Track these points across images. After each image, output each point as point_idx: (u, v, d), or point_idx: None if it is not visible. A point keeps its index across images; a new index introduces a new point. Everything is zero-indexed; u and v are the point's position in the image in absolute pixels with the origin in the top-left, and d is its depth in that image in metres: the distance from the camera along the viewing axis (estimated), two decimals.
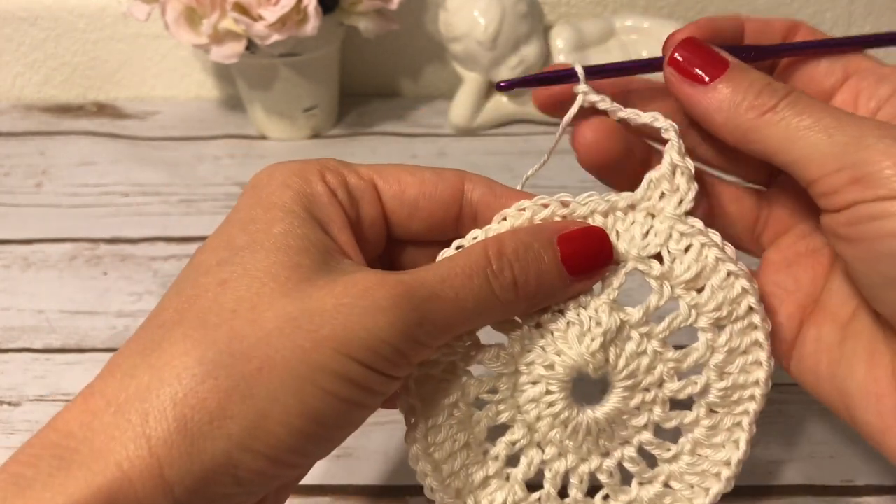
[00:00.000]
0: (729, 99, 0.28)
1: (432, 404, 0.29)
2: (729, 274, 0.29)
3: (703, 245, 0.29)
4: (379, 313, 0.24)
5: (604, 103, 0.30)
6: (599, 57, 0.63)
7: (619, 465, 0.30)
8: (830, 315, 0.31)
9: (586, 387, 0.30)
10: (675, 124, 0.29)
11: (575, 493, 0.30)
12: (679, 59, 0.29)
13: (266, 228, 0.25)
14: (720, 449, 0.30)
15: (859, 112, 0.30)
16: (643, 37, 0.64)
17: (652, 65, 0.31)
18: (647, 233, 0.29)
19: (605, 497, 0.30)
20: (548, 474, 0.30)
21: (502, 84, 0.30)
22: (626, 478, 0.31)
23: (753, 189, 0.34)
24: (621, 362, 0.29)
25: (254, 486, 0.24)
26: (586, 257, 0.28)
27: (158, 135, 0.65)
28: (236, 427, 0.23)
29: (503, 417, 0.29)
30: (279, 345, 0.23)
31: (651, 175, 0.29)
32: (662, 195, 0.29)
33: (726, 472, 0.30)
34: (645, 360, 0.29)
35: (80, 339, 0.47)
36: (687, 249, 0.29)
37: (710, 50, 0.29)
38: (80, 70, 0.70)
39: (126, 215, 0.57)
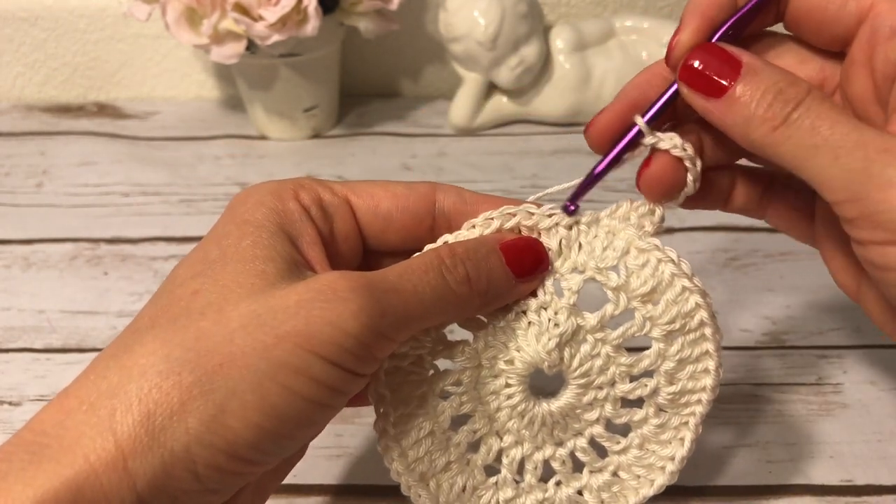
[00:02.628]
0: (741, 113, 0.27)
1: (400, 394, 0.30)
2: (684, 289, 0.30)
3: (659, 261, 0.30)
4: (341, 304, 0.25)
5: (676, 150, 0.30)
6: (599, 57, 0.63)
7: (572, 455, 0.32)
8: None
9: (546, 381, 0.32)
10: (698, 164, 0.30)
11: (529, 478, 0.32)
12: (689, 72, 0.28)
13: (236, 242, 0.27)
14: (667, 445, 0.32)
15: (877, 75, 0.29)
16: (643, 37, 0.64)
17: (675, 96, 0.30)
18: (607, 248, 0.31)
19: (558, 483, 0.32)
20: (505, 460, 0.32)
21: (571, 207, 0.31)
22: (578, 467, 0.33)
23: (808, 192, 0.33)
24: (575, 362, 0.31)
25: (213, 482, 0.24)
26: (525, 262, 0.30)
27: (159, 135, 0.66)
28: (195, 421, 0.23)
29: (466, 408, 0.31)
30: (241, 342, 0.24)
31: (624, 204, 0.31)
32: (626, 220, 0.31)
33: (671, 467, 0.32)
34: (598, 362, 0.31)
35: (80, 339, 0.47)
36: (644, 265, 0.30)
37: (719, 52, 0.28)
38: (80, 70, 0.70)
39: (126, 215, 0.57)
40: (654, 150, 0.30)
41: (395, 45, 0.68)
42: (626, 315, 0.31)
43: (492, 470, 0.32)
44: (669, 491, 0.33)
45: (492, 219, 0.30)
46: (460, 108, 0.64)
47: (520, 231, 0.31)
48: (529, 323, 0.30)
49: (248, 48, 0.57)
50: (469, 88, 0.63)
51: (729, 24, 0.29)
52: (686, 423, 0.32)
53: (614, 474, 0.33)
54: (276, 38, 0.55)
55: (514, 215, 0.31)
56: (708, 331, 0.31)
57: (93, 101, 0.70)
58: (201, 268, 0.26)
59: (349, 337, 0.25)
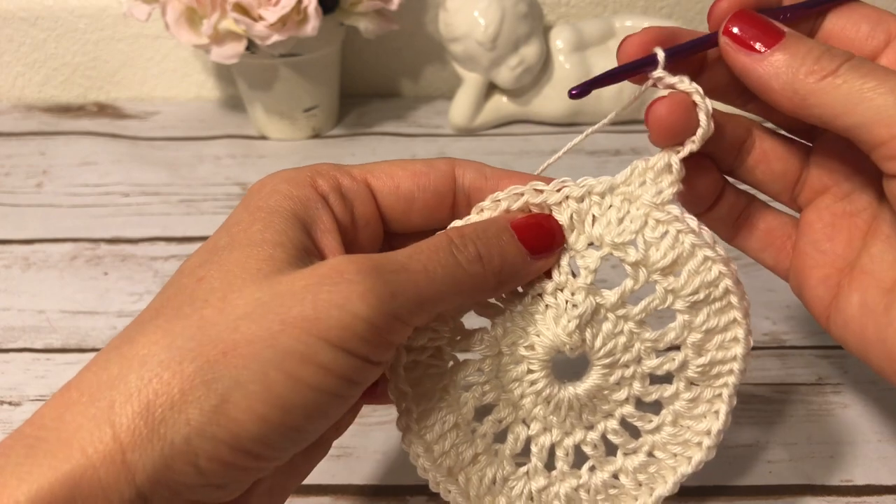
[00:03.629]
0: (787, 64, 0.28)
1: (422, 389, 0.30)
2: (706, 259, 0.29)
3: (679, 232, 0.29)
4: (347, 286, 0.24)
5: (682, 84, 0.29)
6: (599, 57, 0.63)
7: (604, 438, 0.31)
8: (875, 280, 0.31)
9: (571, 364, 0.31)
10: (708, 127, 0.29)
11: (561, 465, 0.31)
12: (734, 29, 0.29)
13: (246, 228, 0.26)
14: (701, 419, 0.31)
15: None
16: None
17: (707, 42, 0.31)
18: (623, 218, 0.29)
19: (592, 468, 0.32)
20: (534, 448, 0.31)
21: (574, 91, 0.30)
22: (611, 450, 0.32)
23: (797, 145, 0.34)
24: (598, 342, 0.30)
25: (216, 476, 0.23)
26: (538, 238, 0.29)
27: (159, 135, 0.66)
28: (196, 412, 0.22)
29: (489, 397, 0.30)
30: (245, 329, 0.23)
31: (638, 164, 0.30)
32: (643, 183, 0.29)
33: (707, 441, 0.31)
34: (622, 340, 0.30)
35: (80, 339, 0.47)
36: (663, 236, 0.29)
37: (765, 20, 0.29)
38: (80, 70, 0.70)
39: (126, 215, 0.57)
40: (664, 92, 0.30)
41: (395, 45, 0.68)
42: (646, 288, 0.30)
43: (521, 459, 0.31)
44: None
45: (499, 200, 0.30)
46: (460, 108, 0.64)
47: (530, 210, 0.30)
48: (547, 306, 0.29)
49: (248, 48, 0.57)
50: (469, 88, 0.63)
51: (772, 11, 0.30)
52: (719, 395, 0.31)
53: (650, 454, 0.32)
54: (276, 38, 0.55)
55: (522, 195, 0.29)
56: (734, 299, 0.30)
57: (93, 101, 0.70)
58: (208, 256, 0.26)
59: (359, 320, 0.23)
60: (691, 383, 0.31)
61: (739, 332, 0.30)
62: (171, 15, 0.55)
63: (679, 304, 0.29)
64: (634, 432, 0.32)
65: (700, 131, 0.29)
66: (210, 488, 0.24)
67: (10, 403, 0.43)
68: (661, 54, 0.29)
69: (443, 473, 0.30)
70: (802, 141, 0.34)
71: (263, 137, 0.65)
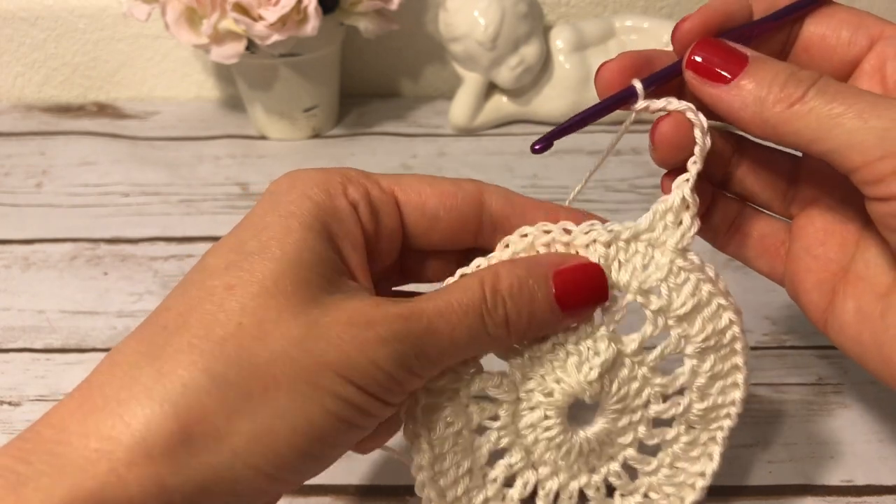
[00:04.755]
0: (754, 94, 0.28)
1: (437, 432, 0.29)
2: (719, 307, 0.30)
3: (699, 280, 0.29)
4: (380, 346, 0.25)
5: (672, 105, 0.29)
6: (599, 57, 0.63)
7: (605, 481, 0.32)
8: (870, 286, 0.31)
9: (578, 406, 0.31)
10: (703, 119, 0.29)
11: None
12: (697, 60, 0.29)
13: (279, 237, 0.25)
14: (696, 462, 0.32)
15: (888, 81, 0.30)
16: (643, 37, 0.64)
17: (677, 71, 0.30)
18: (648, 265, 0.29)
19: None
20: (541, 492, 0.31)
21: (537, 147, 0.29)
22: (609, 492, 0.32)
23: (786, 156, 0.34)
24: (614, 388, 0.30)
25: (250, 500, 0.24)
26: (581, 294, 0.28)
27: (159, 135, 0.66)
28: (242, 443, 0.23)
29: (504, 442, 0.30)
30: (285, 366, 0.24)
31: (658, 207, 0.29)
32: (665, 228, 0.29)
33: (701, 483, 0.32)
34: (635, 385, 0.30)
35: (80, 339, 0.47)
36: (684, 283, 0.29)
37: (727, 46, 0.29)
38: (80, 70, 0.70)
39: (126, 215, 0.57)
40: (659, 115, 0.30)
41: (395, 45, 0.68)
42: (658, 334, 0.30)
43: (527, 502, 0.31)
44: None
45: (526, 235, 0.29)
46: (460, 108, 0.64)
47: (555, 248, 0.29)
48: (568, 353, 0.29)
49: (248, 48, 0.57)
50: (469, 88, 0.63)
51: (737, 29, 0.30)
52: (714, 437, 0.32)
53: (645, 496, 0.32)
54: (276, 38, 0.55)
55: (550, 231, 0.29)
56: (739, 345, 0.30)
57: (93, 101, 0.70)
58: (236, 258, 0.25)
59: (383, 373, 0.25)
60: (690, 427, 0.32)
61: (740, 378, 0.31)
62: (171, 15, 0.55)
63: (689, 350, 0.30)
64: (633, 474, 0.32)
65: (698, 149, 0.29)
66: None
67: (10, 403, 0.43)
68: (639, 86, 0.29)
69: None
70: (791, 151, 0.34)
71: (263, 137, 0.65)
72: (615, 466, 0.32)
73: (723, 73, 0.28)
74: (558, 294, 0.28)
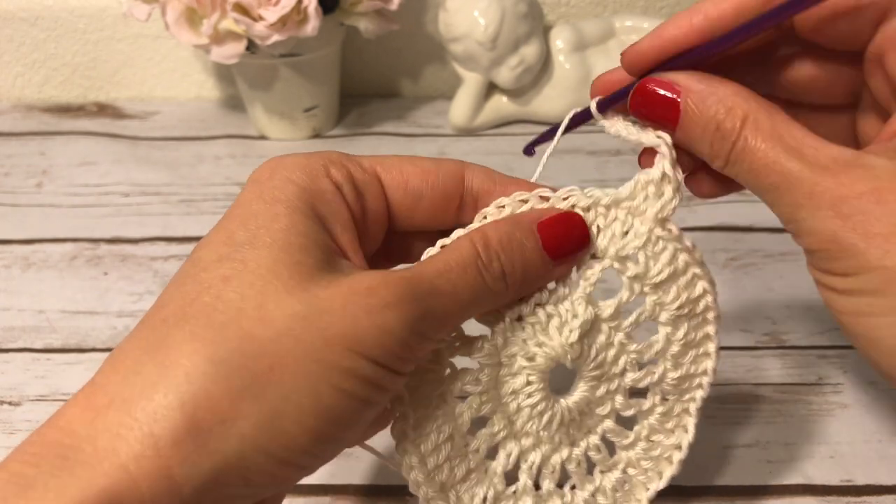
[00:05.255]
0: (696, 148, 0.28)
1: (418, 395, 0.29)
2: (694, 276, 0.30)
3: (676, 250, 0.29)
4: (387, 310, 0.24)
5: (613, 128, 0.30)
6: (599, 57, 0.63)
7: (586, 455, 0.32)
8: None
9: (554, 379, 0.31)
10: (667, 138, 0.29)
11: (548, 483, 0.31)
12: (638, 110, 0.29)
13: (267, 224, 0.25)
14: (671, 434, 0.32)
15: (891, 75, 0.27)
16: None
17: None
18: (627, 232, 0.29)
19: (573, 487, 0.32)
20: (523, 465, 0.31)
21: (529, 150, 0.31)
22: (590, 468, 0.32)
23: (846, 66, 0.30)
24: (592, 353, 0.30)
25: (263, 487, 0.24)
26: (565, 241, 0.29)
27: (159, 135, 0.66)
28: (249, 427, 0.22)
29: (485, 409, 0.30)
30: (290, 344, 0.23)
31: (641, 177, 0.29)
32: (647, 198, 0.29)
33: (678, 455, 0.32)
34: (612, 352, 0.30)
35: (80, 339, 0.47)
36: (662, 252, 0.29)
37: (658, 96, 0.28)
38: (80, 70, 0.70)
39: (126, 215, 0.57)
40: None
41: (395, 45, 0.68)
42: (634, 301, 0.30)
43: (510, 477, 0.31)
44: (669, 491, 0.33)
45: (503, 206, 0.29)
46: (460, 108, 0.64)
47: None
48: (549, 315, 0.29)
49: (248, 48, 0.57)
50: (469, 88, 0.63)
51: (692, 53, 0.28)
52: (687, 409, 0.32)
53: (624, 471, 0.33)
54: (276, 38, 0.55)
55: (527, 201, 0.29)
56: (711, 315, 0.31)
57: (93, 101, 0.70)
58: (227, 250, 0.25)
59: (393, 340, 0.24)
60: (664, 398, 0.32)
61: (711, 347, 0.31)
62: (171, 15, 0.55)
63: (663, 317, 0.30)
64: (611, 449, 0.32)
65: (665, 148, 0.29)
66: (252, 497, 0.24)
67: (10, 403, 0.43)
68: (592, 107, 0.30)
69: (435, 489, 0.29)
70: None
71: (263, 137, 0.65)
72: (594, 440, 0.31)
73: (665, 118, 0.28)
74: (545, 243, 0.28)
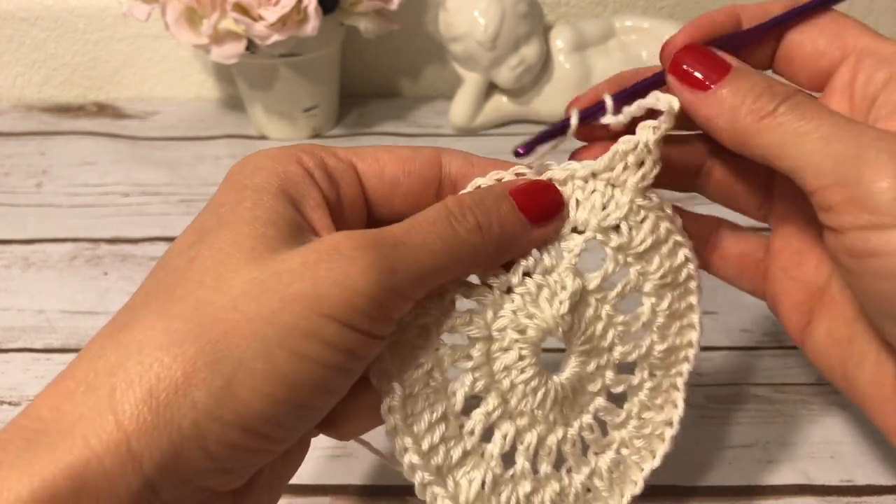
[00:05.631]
0: (729, 103, 0.28)
1: (407, 372, 0.28)
2: (675, 244, 0.30)
3: (658, 218, 0.29)
4: (347, 263, 0.23)
5: (608, 119, 0.30)
6: (599, 57, 0.63)
7: (580, 435, 0.31)
8: (841, 310, 0.31)
9: (544, 360, 0.31)
10: (675, 105, 0.29)
11: (545, 466, 0.30)
12: (680, 65, 0.29)
13: (233, 207, 0.25)
14: (661, 410, 0.32)
15: (856, 98, 0.30)
16: (643, 37, 0.64)
17: (654, 83, 0.30)
18: (608, 203, 0.29)
19: (569, 470, 0.31)
20: (520, 447, 0.29)
21: (521, 150, 0.30)
22: (584, 449, 0.31)
23: (764, 167, 0.33)
24: (581, 326, 0.30)
25: (226, 459, 0.23)
26: (540, 203, 0.29)
27: (158, 135, 0.66)
28: (202, 394, 0.22)
29: (479, 386, 0.29)
30: (245, 308, 0.23)
31: (619, 147, 0.29)
32: (626, 167, 0.29)
33: (669, 432, 0.32)
34: (600, 325, 0.30)
35: (80, 339, 0.47)
36: (643, 221, 0.29)
37: (711, 54, 0.29)
38: (80, 70, 0.70)
39: (126, 215, 0.57)
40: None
41: (395, 45, 0.68)
42: (618, 272, 0.30)
43: (507, 459, 0.30)
44: (670, 491, 0.33)
45: (480, 186, 0.29)
46: (460, 108, 0.64)
47: None
48: (539, 286, 0.29)
49: (248, 48, 0.57)
50: (469, 88, 0.63)
51: (724, 38, 0.30)
52: (675, 384, 0.32)
53: (618, 451, 0.32)
54: (276, 38, 0.55)
55: (502, 178, 0.29)
56: (693, 284, 0.31)
57: (93, 101, 0.70)
58: (197, 237, 0.25)
59: (360, 296, 0.23)
60: (652, 373, 0.32)
61: (694, 318, 0.31)
62: (171, 15, 0.55)
63: (648, 287, 0.30)
64: (604, 429, 0.32)
65: (663, 117, 0.29)
66: (219, 472, 0.23)
67: (10, 403, 0.43)
68: (609, 102, 0.30)
69: (432, 472, 0.28)
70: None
71: (263, 137, 0.65)
72: (587, 419, 0.31)
73: (704, 80, 0.28)
74: (520, 206, 0.28)
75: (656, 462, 0.32)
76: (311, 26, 0.55)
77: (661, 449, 0.32)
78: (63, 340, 0.47)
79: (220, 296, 0.23)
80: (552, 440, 0.30)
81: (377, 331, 0.25)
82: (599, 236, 0.29)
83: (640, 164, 0.29)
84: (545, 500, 0.30)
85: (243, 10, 0.54)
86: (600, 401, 0.31)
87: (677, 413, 0.32)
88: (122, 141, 0.65)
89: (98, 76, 0.70)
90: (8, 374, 0.45)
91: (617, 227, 0.29)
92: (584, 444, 0.31)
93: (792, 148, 0.26)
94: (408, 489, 0.39)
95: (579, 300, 0.29)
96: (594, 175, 0.29)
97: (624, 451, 0.32)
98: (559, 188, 0.29)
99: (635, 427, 0.32)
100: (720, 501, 0.38)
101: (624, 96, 0.30)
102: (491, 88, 0.64)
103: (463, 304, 0.29)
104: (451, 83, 0.66)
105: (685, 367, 0.32)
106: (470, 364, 0.29)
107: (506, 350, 0.29)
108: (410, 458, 0.28)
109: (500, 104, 0.65)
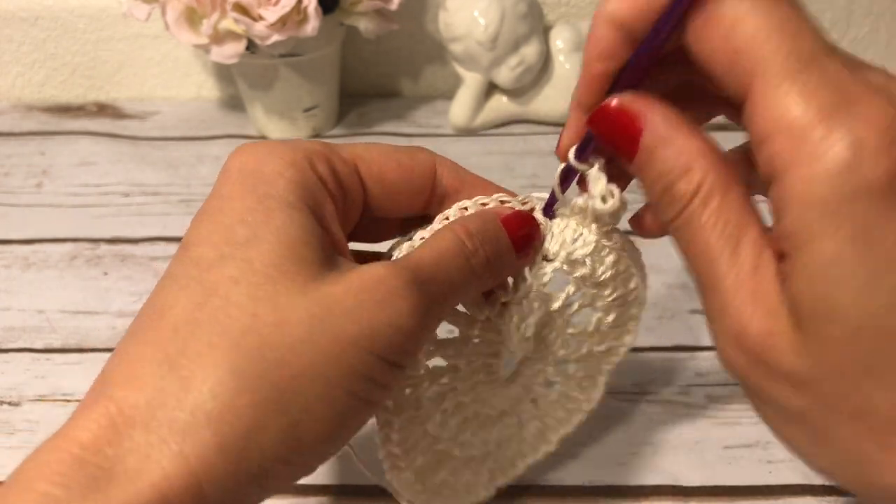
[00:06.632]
0: (646, 189, 0.25)
1: (398, 401, 0.30)
2: (630, 275, 0.32)
3: (619, 255, 0.31)
4: (398, 303, 0.24)
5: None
6: None
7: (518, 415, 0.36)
8: None
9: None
10: (598, 167, 0.28)
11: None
12: (600, 130, 0.26)
13: (265, 220, 0.25)
14: (585, 391, 0.36)
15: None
16: None
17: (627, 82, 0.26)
18: (577, 239, 0.31)
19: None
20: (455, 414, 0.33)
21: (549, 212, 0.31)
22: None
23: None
24: (539, 340, 0.33)
25: (275, 490, 0.24)
26: (525, 235, 0.30)
27: (158, 135, 0.66)
28: (270, 440, 0.22)
29: (450, 403, 0.32)
30: (308, 351, 0.23)
31: (579, 202, 0.29)
32: (594, 213, 0.30)
33: (586, 406, 0.37)
34: (552, 336, 0.33)
35: (80, 339, 0.47)
36: (607, 256, 0.31)
37: (617, 124, 0.25)
38: (80, 70, 0.70)
39: (126, 215, 0.57)
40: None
41: (395, 45, 0.68)
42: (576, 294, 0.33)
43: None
44: (670, 491, 0.33)
45: (465, 208, 0.30)
46: (460, 108, 0.64)
47: None
48: (510, 315, 0.31)
49: (248, 48, 0.57)
50: (469, 88, 0.63)
51: (624, 76, 0.25)
52: (602, 371, 0.36)
53: (542, 421, 0.37)
54: (276, 38, 0.55)
55: (487, 205, 0.31)
56: (638, 304, 0.33)
57: (93, 101, 0.70)
58: (228, 249, 0.24)
59: (406, 335, 0.24)
60: (585, 366, 0.35)
61: (633, 325, 0.34)
62: (171, 15, 0.55)
63: (599, 304, 0.33)
64: (536, 406, 0.36)
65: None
66: (262, 498, 0.24)
67: (10, 403, 0.43)
68: (571, 155, 0.28)
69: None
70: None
71: (263, 137, 0.65)
72: (526, 401, 0.35)
73: (622, 152, 0.25)
74: (510, 235, 0.29)
75: (571, 428, 0.37)
76: (311, 26, 0.55)
77: (577, 419, 0.37)
78: (63, 340, 0.47)
79: (282, 336, 0.23)
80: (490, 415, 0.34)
81: (406, 362, 0.26)
82: (566, 267, 0.31)
83: (601, 216, 0.29)
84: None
85: (243, 10, 0.54)
86: (537, 388, 0.35)
87: (598, 392, 0.36)
88: (122, 141, 0.65)
89: (98, 76, 0.70)
90: (8, 374, 0.45)
91: (582, 261, 0.31)
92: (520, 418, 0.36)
93: (687, 259, 0.25)
94: None
95: (544, 322, 0.32)
96: (571, 213, 0.31)
97: (548, 421, 0.36)
98: (541, 219, 0.31)
99: (562, 404, 0.36)
100: (720, 501, 0.38)
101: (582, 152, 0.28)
102: (491, 88, 0.64)
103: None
104: (451, 83, 0.66)
105: (615, 359, 0.35)
106: (446, 387, 0.31)
107: (474, 372, 0.32)
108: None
109: (500, 104, 0.65)
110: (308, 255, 0.24)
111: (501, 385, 0.33)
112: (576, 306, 0.32)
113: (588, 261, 0.31)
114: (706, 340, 0.46)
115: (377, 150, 0.29)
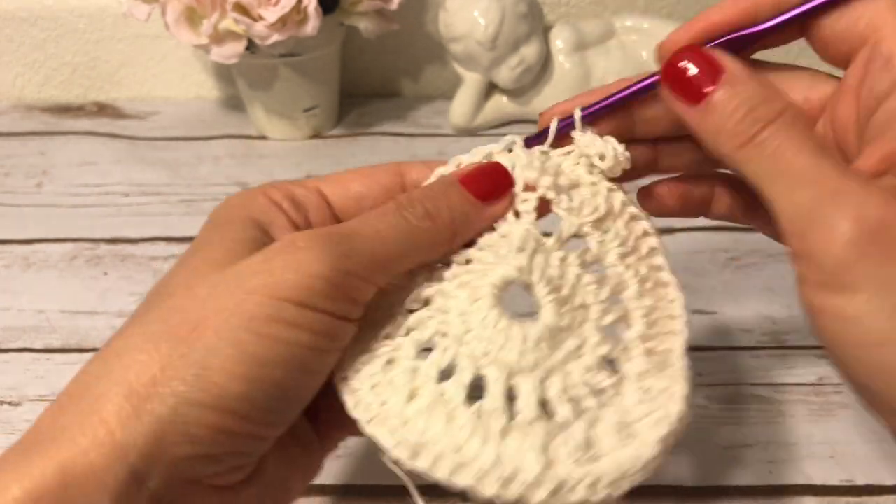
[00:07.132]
0: (714, 123, 0.27)
1: (362, 357, 0.28)
2: (632, 216, 0.30)
3: (609, 190, 0.30)
4: (301, 252, 0.25)
5: (587, 140, 0.30)
6: (599, 57, 0.63)
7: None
8: None
9: None
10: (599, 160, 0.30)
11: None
12: (671, 74, 0.28)
13: (207, 237, 0.28)
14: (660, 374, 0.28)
15: (862, 101, 0.28)
16: (643, 37, 0.64)
17: (646, 88, 0.30)
18: (560, 172, 0.30)
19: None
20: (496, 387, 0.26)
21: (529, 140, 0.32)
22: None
23: None
24: (546, 274, 0.28)
25: (211, 445, 0.24)
26: (487, 184, 0.30)
27: (158, 135, 0.66)
28: (178, 383, 0.24)
29: (429, 333, 0.28)
30: (211, 304, 0.25)
31: (583, 139, 0.30)
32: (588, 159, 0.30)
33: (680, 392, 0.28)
34: (571, 276, 0.28)
35: (80, 339, 0.47)
36: (595, 194, 0.30)
37: (705, 58, 0.27)
38: (80, 70, 0.70)
39: (126, 215, 0.57)
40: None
41: (395, 45, 0.68)
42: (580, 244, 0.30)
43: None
44: (669, 491, 0.33)
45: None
46: (460, 108, 0.64)
47: None
48: (493, 245, 0.29)
49: (248, 48, 0.57)
50: (469, 88, 0.63)
51: (728, 38, 0.29)
52: (669, 348, 0.28)
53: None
54: (276, 38, 0.55)
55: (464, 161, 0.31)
56: (658, 259, 0.30)
57: (93, 101, 0.70)
58: (176, 268, 0.28)
59: (315, 279, 0.25)
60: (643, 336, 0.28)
61: (664, 276, 0.30)
62: (171, 15, 0.55)
63: (610, 258, 0.29)
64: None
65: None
66: (206, 460, 0.24)
67: (10, 403, 0.43)
68: (577, 114, 0.30)
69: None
70: None
71: (263, 137, 0.65)
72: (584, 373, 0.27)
73: (694, 91, 0.27)
74: (470, 190, 0.29)
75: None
76: (311, 26, 0.55)
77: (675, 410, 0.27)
78: (63, 340, 0.47)
79: (189, 300, 0.25)
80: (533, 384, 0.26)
81: (339, 311, 0.26)
82: (551, 193, 0.29)
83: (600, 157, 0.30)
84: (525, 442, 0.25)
85: (243, 10, 0.54)
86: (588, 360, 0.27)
87: (684, 384, 0.27)
88: (122, 141, 0.65)
89: (98, 76, 0.70)
90: (8, 374, 0.45)
91: (569, 194, 0.30)
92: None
93: (764, 184, 0.26)
94: (408, 490, 0.38)
95: (538, 251, 0.28)
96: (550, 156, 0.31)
97: (628, 418, 0.27)
98: (507, 159, 0.31)
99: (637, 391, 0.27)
100: (721, 501, 0.38)
101: (606, 105, 0.30)
102: (491, 88, 0.64)
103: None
104: (451, 83, 0.66)
105: (678, 329, 0.28)
106: (424, 313, 0.28)
107: (456, 297, 0.28)
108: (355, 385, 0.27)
109: (500, 104, 0.65)
110: (237, 249, 0.27)
111: (518, 329, 0.27)
112: (581, 251, 0.29)
113: (574, 192, 0.30)
114: (706, 340, 0.46)
115: (342, 172, 0.32)
